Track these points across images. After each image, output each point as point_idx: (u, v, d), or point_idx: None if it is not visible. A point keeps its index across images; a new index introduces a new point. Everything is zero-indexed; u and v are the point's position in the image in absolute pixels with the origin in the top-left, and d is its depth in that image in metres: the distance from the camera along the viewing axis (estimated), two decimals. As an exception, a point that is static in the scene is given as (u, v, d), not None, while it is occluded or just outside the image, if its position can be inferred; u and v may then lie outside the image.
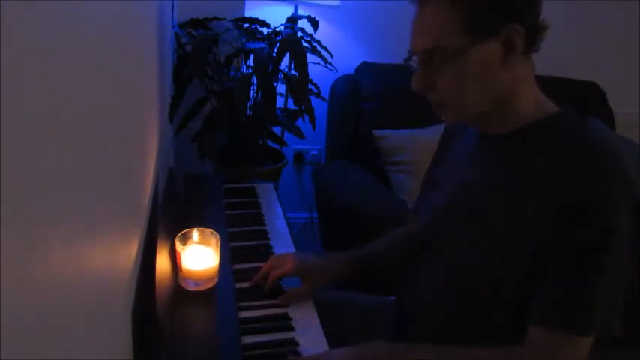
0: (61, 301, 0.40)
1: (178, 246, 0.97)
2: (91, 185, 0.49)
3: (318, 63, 1.80)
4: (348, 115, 2.15)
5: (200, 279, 0.98)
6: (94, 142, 0.51)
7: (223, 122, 1.78)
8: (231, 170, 1.87)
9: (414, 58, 0.83)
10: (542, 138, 0.81)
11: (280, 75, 1.83)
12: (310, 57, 1.71)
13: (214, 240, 1.00)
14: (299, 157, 2.42)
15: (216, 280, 1.01)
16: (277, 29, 1.84)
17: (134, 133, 0.81)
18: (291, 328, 0.92)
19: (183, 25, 1.79)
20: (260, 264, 1.09)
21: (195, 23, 1.80)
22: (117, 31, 0.64)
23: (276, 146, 2.04)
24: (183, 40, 1.74)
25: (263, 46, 1.66)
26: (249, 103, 1.77)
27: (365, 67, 2.18)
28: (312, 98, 1.81)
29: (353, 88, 2.16)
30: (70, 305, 0.42)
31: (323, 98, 2.03)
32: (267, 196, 1.40)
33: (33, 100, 0.33)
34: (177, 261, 0.98)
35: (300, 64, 1.62)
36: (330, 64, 1.83)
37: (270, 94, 1.76)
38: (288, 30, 1.80)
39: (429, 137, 1.78)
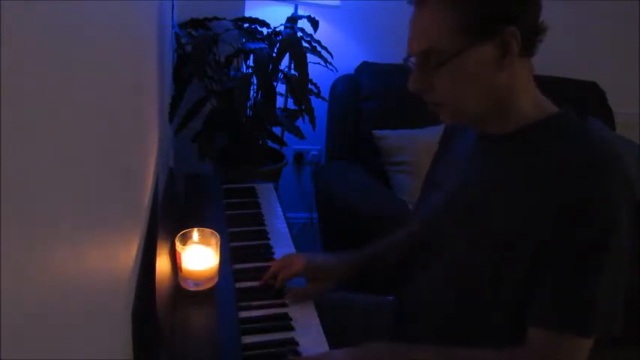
0: (61, 301, 0.40)
1: (178, 246, 0.97)
2: (91, 185, 0.49)
3: (318, 63, 1.80)
4: (348, 115, 2.15)
5: (200, 279, 0.98)
6: (94, 142, 0.51)
7: (223, 122, 1.78)
8: (231, 170, 1.87)
9: (412, 59, 0.83)
10: (541, 138, 0.81)
11: (280, 75, 1.83)
12: (310, 57, 1.71)
13: (214, 240, 1.00)
14: (299, 157, 2.42)
15: (216, 280, 1.01)
16: (277, 29, 1.84)
17: (134, 133, 0.81)
18: (291, 328, 0.92)
19: (183, 25, 1.79)
20: (260, 264, 1.10)
21: (195, 23, 1.80)
22: (117, 31, 0.64)
23: (276, 146, 2.04)
24: (183, 40, 1.74)
25: (263, 46, 1.66)
26: (249, 103, 1.77)
27: (365, 67, 2.18)
28: (312, 98, 1.81)
29: (353, 88, 2.16)
30: (70, 305, 0.42)
31: (323, 98, 2.03)
32: (267, 196, 1.40)
33: (33, 100, 0.33)
34: (177, 261, 0.98)
35: (300, 64, 1.62)
36: (330, 64, 1.83)
37: (270, 94, 1.76)
38: (288, 30, 1.80)
39: (429, 137, 1.79)
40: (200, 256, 0.98)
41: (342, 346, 0.85)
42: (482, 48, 0.77)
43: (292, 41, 1.66)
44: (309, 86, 1.81)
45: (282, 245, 1.18)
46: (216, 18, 1.82)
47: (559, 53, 2.14)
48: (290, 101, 1.97)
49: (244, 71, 1.83)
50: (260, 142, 1.95)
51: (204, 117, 1.77)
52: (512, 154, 0.84)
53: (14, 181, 0.29)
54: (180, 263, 0.97)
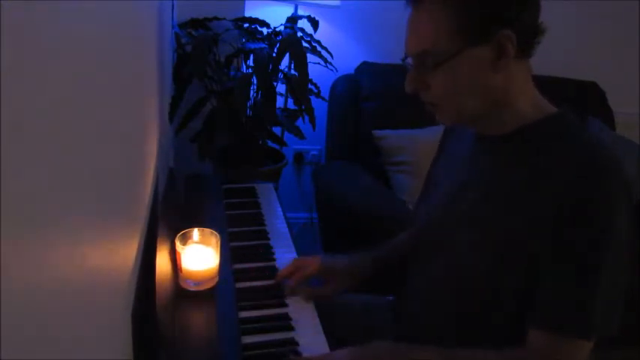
0: (61, 301, 0.40)
1: (178, 246, 0.97)
2: (91, 185, 0.49)
3: (318, 63, 1.80)
4: (348, 115, 2.15)
5: (200, 279, 0.98)
6: (94, 142, 0.51)
7: (223, 122, 1.78)
8: (231, 170, 1.87)
9: (409, 59, 0.84)
10: (541, 138, 0.81)
11: (280, 75, 1.83)
12: (310, 57, 1.71)
13: (214, 240, 1.00)
14: (299, 157, 2.42)
15: (216, 280, 1.01)
16: (277, 29, 1.84)
17: (134, 133, 0.81)
18: (291, 328, 0.92)
19: (183, 25, 1.79)
20: (260, 264, 1.10)
21: (195, 23, 1.80)
22: (117, 31, 0.64)
23: (276, 146, 2.04)
24: (183, 40, 1.74)
25: (263, 46, 1.66)
26: (249, 103, 1.77)
27: (365, 67, 2.18)
28: (312, 98, 1.81)
29: (353, 88, 2.16)
30: (70, 305, 0.42)
31: (323, 98, 2.03)
32: (267, 196, 1.40)
33: (33, 100, 0.33)
34: (177, 261, 0.98)
35: (300, 64, 1.62)
36: (330, 64, 1.83)
37: (270, 94, 1.76)
38: (288, 30, 1.80)
39: (429, 137, 1.78)
40: (200, 256, 0.98)
41: (342, 346, 0.85)
42: (477, 50, 0.77)
43: (292, 41, 1.66)
44: (309, 86, 1.81)
45: (282, 245, 1.18)
46: (216, 18, 1.82)
47: (559, 53, 2.14)
48: (290, 101, 1.97)
49: (244, 71, 1.83)
50: (260, 142, 1.95)
51: (204, 117, 1.77)
52: (511, 155, 0.84)
53: (14, 181, 0.29)
54: (180, 263, 0.97)
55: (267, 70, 1.63)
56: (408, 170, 1.97)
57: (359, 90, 2.15)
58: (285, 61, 1.82)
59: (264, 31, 1.83)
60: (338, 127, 2.19)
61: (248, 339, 0.88)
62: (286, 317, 0.95)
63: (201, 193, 1.43)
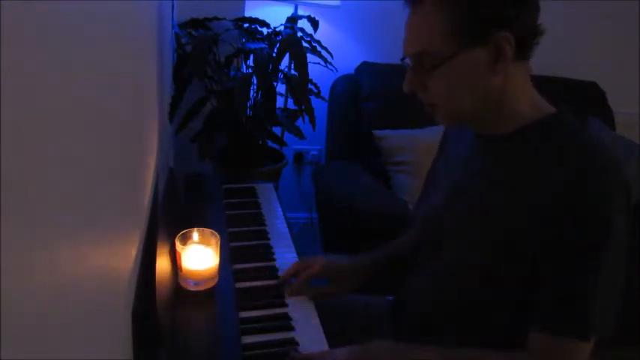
0: (61, 301, 0.40)
1: (178, 246, 0.97)
2: (91, 185, 0.49)
3: (318, 63, 1.80)
4: (348, 115, 2.15)
5: (200, 279, 0.98)
6: (94, 142, 0.51)
7: (223, 122, 1.78)
8: (231, 170, 1.87)
9: (407, 59, 0.84)
10: (540, 138, 0.81)
11: (280, 75, 1.83)
12: (310, 57, 1.71)
13: (214, 240, 1.00)
14: (299, 157, 2.42)
15: (216, 280, 1.01)
16: (277, 29, 1.84)
17: (134, 133, 0.81)
18: (291, 328, 0.92)
19: (183, 25, 1.79)
20: (260, 264, 1.10)
21: (195, 23, 1.80)
22: (117, 31, 0.64)
23: (276, 146, 2.04)
24: (183, 40, 1.74)
25: (263, 46, 1.66)
26: (249, 103, 1.77)
27: (365, 67, 2.18)
28: (312, 98, 1.81)
29: (353, 88, 2.16)
30: (70, 305, 0.42)
31: (323, 98, 2.03)
32: (267, 196, 1.40)
33: (33, 100, 0.33)
34: (177, 261, 0.98)
35: (300, 64, 1.62)
36: (330, 64, 1.83)
37: (270, 94, 1.76)
38: (288, 30, 1.80)
39: (429, 137, 1.79)
40: (200, 256, 0.98)
41: (341, 345, 0.85)
42: (475, 52, 0.77)
43: (292, 41, 1.66)
44: (309, 86, 1.81)
45: (282, 245, 1.18)
46: (216, 18, 1.81)
47: (559, 53, 2.14)
48: (290, 101, 1.97)
49: (244, 71, 1.83)
50: (260, 142, 1.95)
51: (204, 117, 1.77)
52: (511, 155, 0.84)
53: (14, 181, 0.29)
54: (180, 263, 0.97)
55: (267, 70, 1.63)
56: (408, 170, 1.97)
57: (359, 90, 2.15)
58: (285, 61, 1.82)
59: (264, 31, 1.83)
60: (338, 127, 2.19)
61: (248, 339, 0.88)
62: (286, 317, 0.95)
63: (201, 193, 1.43)
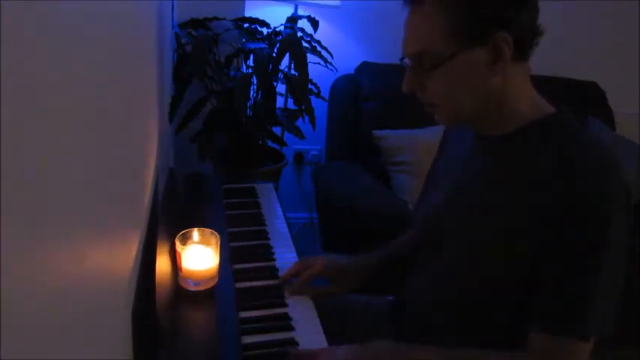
0: (61, 301, 0.40)
1: (178, 246, 0.97)
2: (91, 185, 0.49)
3: (318, 63, 1.80)
4: (348, 115, 2.15)
5: (200, 279, 0.98)
6: (94, 142, 0.51)
7: (223, 122, 1.78)
8: (231, 170, 1.87)
9: (406, 59, 0.84)
10: (540, 138, 0.81)
11: (280, 75, 1.83)
12: (310, 57, 1.71)
13: (214, 240, 1.00)
14: (299, 157, 2.42)
15: (216, 280, 1.01)
16: (277, 29, 1.84)
17: (134, 133, 0.81)
18: (291, 328, 0.92)
19: (183, 25, 1.79)
20: (260, 264, 1.10)
21: (195, 23, 1.80)
22: (117, 31, 0.64)
23: (276, 146, 2.04)
24: (183, 40, 1.74)
25: (263, 46, 1.66)
26: (249, 103, 1.77)
27: (365, 67, 2.18)
28: (312, 98, 1.81)
29: (353, 88, 2.16)
30: (70, 305, 0.42)
31: (323, 98, 2.03)
32: (267, 196, 1.40)
33: (33, 100, 0.33)
34: (177, 261, 0.98)
35: (300, 64, 1.62)
36: (330, 64, 1.83)
37: (270, 94, 1.76)
38: (288, 30, 1.80)
39: (429, 137, 1.79)
40: (200, 256, 0.98)
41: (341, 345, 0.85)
42: (474, 52, 0.77)
43: (292, 41, 1.66)
44: (309, 86, 1.81)
45: (282, 245, 1.18)
46: (216, 18, 1.81)
47: (559, 53, 2.14)
48: (290, 101, 1.97)
49: (244, 71, 1.83)
50: (260, 142, 1.95)
51: (204, 117, 1.77)
52: (511, 155, 0.84)
53: (14, 181, 0.29)
54: (180, 263, 0.97)
55: (267, 70, 1.63)
56: (408, 170, 1.97)
57: (359, 90, 2.15)
58: (285, 61, 1.82)
59: (264, 31, 1.83)
60: (338, 127, 2.19)
61: (248, 339, 0.88)
62: (286, 317, 0.95)
63: (201, 193, 1.43)
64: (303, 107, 1.72)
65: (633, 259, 0.79)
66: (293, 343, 0.89)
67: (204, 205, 1.35)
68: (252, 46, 1.66)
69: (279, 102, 1.96)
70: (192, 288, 0.98)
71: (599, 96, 2.39)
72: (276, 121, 1.85)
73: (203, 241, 1.01)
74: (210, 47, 1.68)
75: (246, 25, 1.83)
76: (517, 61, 0.79)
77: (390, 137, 2.03)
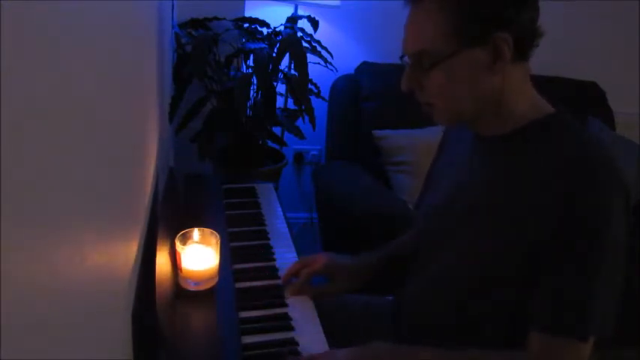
0: (62, 301, 0.40)
1: (178, 246, 0.97)
2: (91, 185, 0.49)
3: (318, 63, 1.80)
4: (348, 115, 2.15)
5: (200, 279, 0.98)
6: (94, 141, 0.51)
7: (223, 122, 1.78)
8: (231, 170, 1.87)
9: (406, 57, 0.84)
10: (539, 138, 0.81)
11: (280, 75, 1.83)
12: (310, 57, 1.71)
13: (214, 240, 1.00)
14: (299, 157, 2.42)
15: (216, 280, 1.01)
16: (277, 29, 1.84)
17: (134, 133, 0.81)
18: (291, 328, 0.92)
19: (183, 25, 1.79)
20: (260, 264, 1.10)
21: (195, 23, 1.80)
22: (117, 31, 0.64)
23: (276, 146, 2.04)
24: (183, 40, 1.74)
25: (263, 46, 1.66)
26: (249, 103, 1.77)
27: (365, 67, 2.18)
28: (312, 98, 1.81)
29: (353, 88, 2.16)
30: (70, 305, 0.42)
31: (323, 98, 2.03)
32: (267, 196, 1.40)
33: (33, 100, 0.33)
34: (177, 261, 0.98)
35: (300, 64, 1.62)
36: (330, 64, 1.83)
37: (270, 94, 1.76)
38: (288, 30, 1.80)
39: (429, 137, 1.79)
40: (200, 256, 0.98)
41: (341, 346, 0.85)
42: (474, 52, 0.77)
43: (292, 41, 1.66)
44: (309, 86, 1.81)
45: (282, 245, 1.18)
46: (216, 18, 1.82)
47: (559, 53, 2.14)
48: (290, 101, 1.97)
49: (244, 71, 1.83)
50: (260, 142, 1.95)
51: (204, 117, 1.77)
52: (510, 155, 0.84)
53: (14, 181, 0.29)
54: (180, 263, 0.97)
55: (267, 70, 1.63)
56: (408, 170, 1.97)
57: (359, 90, 2.15)
58: (285, 61, 1.82)
59: (264, 31, 1.83)
60: (338, 127, 2.19)
61: (248, 339, 0.88)
62: (286, 317, 0.95)
63: (201, 193, 1.43)
64: (303, 107, 1.72)
65: (633, 259, 0.79)
66: (293, 343, 0.89)
67: (204, 205, 1.35)
68: (252, 46, 1.66)
69: (279, 102, 1.96)
70: (192, 288, 0.98)
71: (599, 96, 2.39)
72: (276, 121, 1.85)
73: (203, 241, 1.01)
74: (210, 47, 1.68)
75: (246, 25, 1.83)
76: (517, 62, 0.79)
77: (390, 137, 2.03)
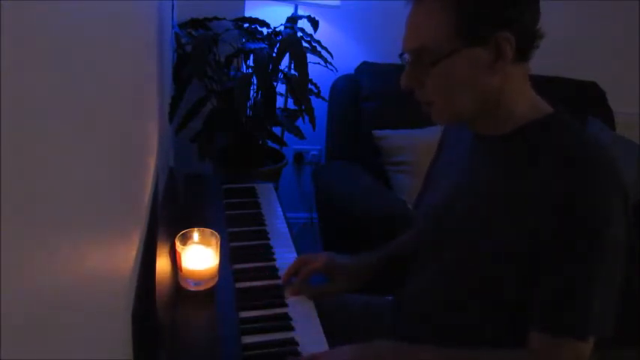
0: (62, 301, 0.40)
1: (178, 246, 0.97)
2: (91, 185, 0.49)
3: (318, 63, 1.80)
4: (348, 115, 2.15)
5: (200, 279, 0.98)
6: (94, 141, 0.51)
7: (223, 122, 1.78)
8: (231, 170, 1.87)
9: (406, 55, 0.84)
10: (539, 138, 0.81)
11: (280, 75, 1.83)
12: (310, 57, 1.71)
13: (214, 240, 1.00)
14: (299, 157, 2.42)
15: (216, 280, 1.01)
16: (277, 29, 1.84)
17: (134, 133, 0.81)
18: (291, 328, 0.92)
19: (183, 25, 1.79)
20: (260, 264, 1.10)
21: (195, 23, 1.80)
22: (117, 31, 0.64)
23: (276, 146, 2.04)
24: (183, 40, 1.74)
25: (263, 46, 1.66)
26: (249, 103, 1.77)
27: (365, 67, 2.18)
28: (312, 98, 1.81)
29: (353, 88, 2.16)
30: (70, 305, 0.42)
31: (323, 98, 2.03)
32: (267, 196, 1.40)
33: (33, 100, 0.33)
34: (178, 261, 0.98)
35: (300, 64, 1.62)
36: (330, 64, 1.83)
37: (270, 94, 1.76)
38: (288, 30, 1.80)
39: (429, 137, 1.78)
40: (200, 256, 0.98)
41: (341, 345, 0.84)
42: (475, 51, 0.77)
43: (292, 41, 1.66)
44: (309, 86, 1.81)
45: (282, 245, 1.18)
46: (216, 18, 1.82)
47: (559, 53, 2.14)
48: (290, 101, 1.97)
49: (244, 71, 1.83)
50: (260, 142, 1.95)
51: (204, 117, 1.77)
52: (509, 155, 0.84)
53: (14, 181, 0.29)
54: (181, 263, 0.97)
55: (267, 70, 1.63)
56: (408, 170, 1.97)
57: (359, 90, 2.15)
58: (285, 61, 1.82)
59: (264, 31, 1.83)
60: (338, 127, 2.19)
61: (248, 339, 0.88)
62: (286, 317, 0.95)
63: (201, 193, 1.43)
64: (303, 107, 1.72)
65: (633, 259, 0.79)
66: (293, 343, 0.89)
67: (204, 205, 1.35)
68: (252, 46, 1.66)
69: (279, 102, 1.96)
70: (193, 288, 0.98)
71: (599, 96, 2.39)
72: (276, 121, 1.85)
73: (203, 241, 1.01)
74: (210, 47, 1.68)
75: (246, 25, 1.83)
76: (517, 62, 0.79)
77: (390, 137, 2.03)
